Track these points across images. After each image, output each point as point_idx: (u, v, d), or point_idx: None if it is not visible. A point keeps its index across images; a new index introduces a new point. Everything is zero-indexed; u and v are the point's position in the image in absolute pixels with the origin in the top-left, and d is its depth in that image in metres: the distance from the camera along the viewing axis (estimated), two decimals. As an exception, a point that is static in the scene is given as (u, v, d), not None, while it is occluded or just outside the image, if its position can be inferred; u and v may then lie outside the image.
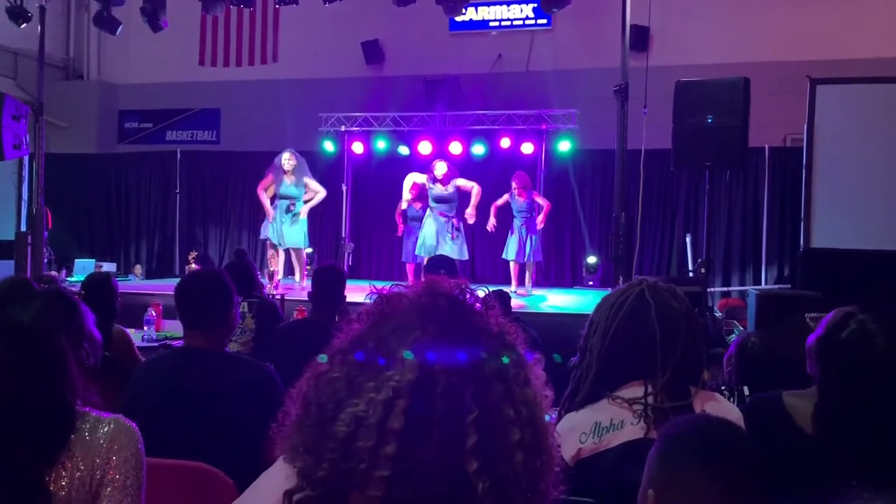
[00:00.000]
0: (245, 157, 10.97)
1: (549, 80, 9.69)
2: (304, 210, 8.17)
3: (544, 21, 10.30)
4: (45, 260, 7.77)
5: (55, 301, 2.07)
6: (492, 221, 8.39)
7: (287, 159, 7.98)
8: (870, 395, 1.65)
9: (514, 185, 8.31)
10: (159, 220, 11.64)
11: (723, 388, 2.60)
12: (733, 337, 4.68)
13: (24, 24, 8.19)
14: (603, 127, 7.90)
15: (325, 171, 9.96)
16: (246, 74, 11.23)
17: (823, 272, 6.35)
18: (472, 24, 10.51)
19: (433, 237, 7.98)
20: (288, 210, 8.06)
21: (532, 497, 0.91)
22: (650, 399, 1.74)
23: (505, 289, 6.18)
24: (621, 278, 5.65)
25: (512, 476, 0.89)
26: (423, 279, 1.01)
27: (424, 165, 8.85)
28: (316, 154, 9.94)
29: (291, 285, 8.09)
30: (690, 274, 8.19)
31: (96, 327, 2.28)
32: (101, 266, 9.55)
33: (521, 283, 8.49)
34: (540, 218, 8.42)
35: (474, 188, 8.15)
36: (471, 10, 9.91)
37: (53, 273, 7.65)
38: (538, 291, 8.65)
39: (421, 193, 8.40)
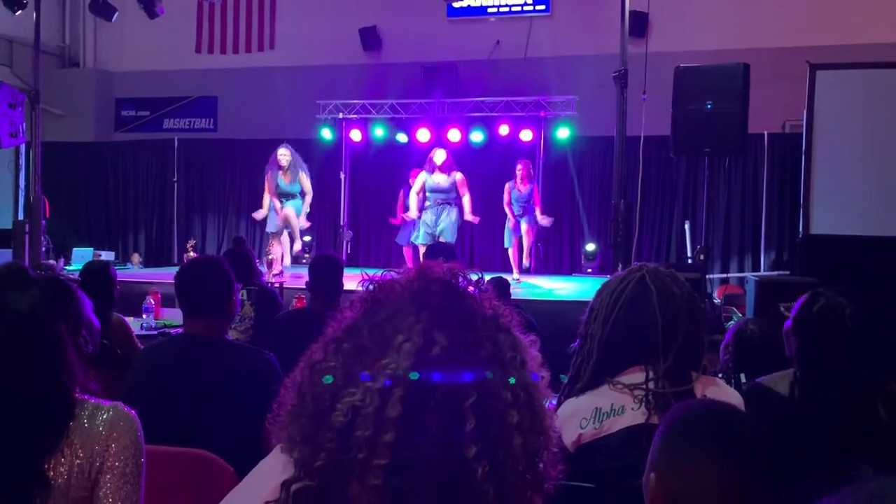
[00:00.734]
0: (242, 145, 10.94)
1: (547, 67, 9.65)
2: (302, 218, 8.11)
3: (543, 7, 10.25)
4: (43, 248, 7.74)
5: (52, 288, 2.06)
6: (511, 220, 8.36)
7: (283, 155, 7.90)
8: (844, 360, 1.86)
9: (518, 168, 8.25)
10: (157, 208, 11.62)
11: (720, 375, 2.60)
12: (732, 324, 4.68)
13: (20, 12, 8.12)
14: (602, 113, 7.87)
15: (323, 158, 9.94)
16: (243, 62, 11.18)
17: (822, 258, 6.35)
18: (470, 11, 10.45)
19: (432, 224, 7.97)
20: (284, 202, 8.02)
21: (531, 478, 0.91)
22: (651, 384, 1.74)
23: (505, 276, 6.18)
24: (620, 265, 5.64)
25: (511, 459, 0.88)
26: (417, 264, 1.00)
27: (423, 153, 8.82)
28: (314, 142, 9.91)
29: (281, 272, 7.96)
30: (689, 260, 8.20)
31: (95, 315, 2.28)
32: (100, 254, 9.54)
33: (520, 266, 8.49)
34: (539, 214, 8.43)
35: (466, 196, 8.08)
36: (469, -4, 9.88)
37: (52, 262, 7.65)
38: (535, 280, 8.65)
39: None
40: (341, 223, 10.32)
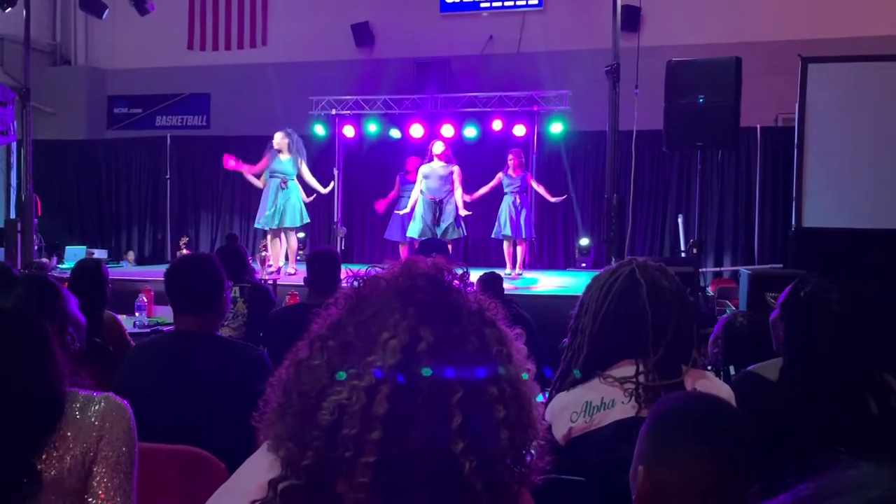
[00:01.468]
0: (235, 142, 10.89)
1: (540, 62, 9.64)
2: (312, 181, 8.02)
3: (535, 2, 10.24)
4: (36, 247, 7.72)
5: (37, 287, 2.05)
6: (480, 193, 8.39)
7: (281, 137, 7.90)
8: (832, 344, 1.90)
9: (510, 158, 8.25)
10: (150, 205, 11.59)
11: (709, 368, 2.60)
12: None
13: (9, 9, 8.08)
14: (595, 108, 7.88)
15: (317, 155, 9.90)
16: (235, 58, 11.15)
17: (815, 251, 6.36)
18: (462, 6, 10.44)
19: (423, 218, 7.98)
20: (280, 188, 7.93)
21: (518, 471, 0.91)
22: (641, 378, 1.74)
23: (499, 271, 6.18)
24: (613, 259, 5.65)
25: (498, 453, 0.88)
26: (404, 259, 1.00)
27: (416, 148, 8.81)
28: (307, 138, 9.85)
29: (279, 270, 7.95)
30: (683, 254, 8.20)
31: (85, 313, 2.27)
32: (93, 253, 9.51)
33: (515, 264, 8.48)
34: (542, 190, 8.37)
35: (458, 191, 8.08)
36: (461, -9, 9.86)
37: (44, 260, 7.63)
38: (530, 274, 8.65)
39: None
40: (335, 219, 10.31)
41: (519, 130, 9.56)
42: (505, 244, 8.46)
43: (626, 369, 1.77)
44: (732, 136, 6.11)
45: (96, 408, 1.48)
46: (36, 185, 7.84)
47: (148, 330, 4.73)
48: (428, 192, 8.04)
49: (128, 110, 11.87)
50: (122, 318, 3.98)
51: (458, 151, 9.04)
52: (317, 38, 10.52)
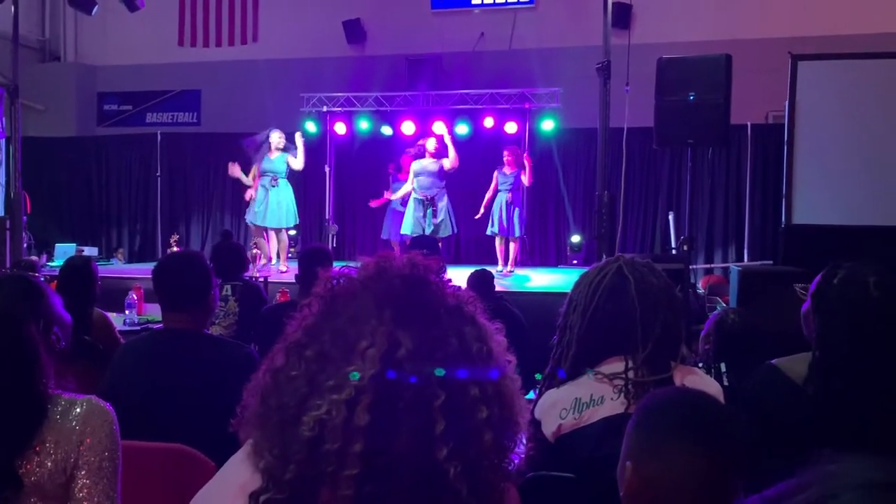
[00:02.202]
0: (226, 139, 10.83)
1: (532, 59, 9.64)
2: (299, 162, 8.05)
3: (527, -1, 10.23)
4: (25, 245, 7.67)
5: (21, 288, 2.02)
6: (481, 212, 8.41)
7: (279, 137, 7.99)
8: (871, 337, 1.68)
9: (505, 155, 8.25)
10: (141, 203, 11.53)
11: (700, 364, 2.60)
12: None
13: (-2, 5, 8.02)
14: (586, 105, 7.88)
15: (308, 152, 9.88)
16: (226, 55, 11.08)
17: (805, 248, 6.39)
18: (454, 3, 10.42)
19: (415, 216, 7.99)
20: (271, 185, 7.95)
21: (503, 469, 0.91)
22: (631, 374, 1.74)
23: (491, 269, 6.18)
24: (604, 256, 5.66)
25: (483, 455, 0.88)
26: (373, 258, 0.97)
27: (407, 146, 8.79)
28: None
29: (269, 268, 7.94)
30: (673, 251, 8.22)
31: (74, 311, 2.26)
32: (83, 250, 9.45)
33: (507, 261, 8.49)
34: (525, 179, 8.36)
35: (451, 152, 8.11)
36: (453, -13, 9.84)
37: (34, 258, 7.57)
38: (522, 271, 8.65)
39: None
40: (326, 217, 10.29)
41: (510, 128, 9.56)
42: (497, 241, 8.48)
43: (616, 366, 1.77)
44: (723, 134, 6.12)
45: (78, 411, 1.47)
46: (25, 182, 7.79)
47: (138, 327, 4.72)
48: (420, 189, 8.04)
49: (118, 107, 11.81)
50: (113, 315, 3.97)
51: (450, 148, 9.03)
52: (308, 35, 10.49)
